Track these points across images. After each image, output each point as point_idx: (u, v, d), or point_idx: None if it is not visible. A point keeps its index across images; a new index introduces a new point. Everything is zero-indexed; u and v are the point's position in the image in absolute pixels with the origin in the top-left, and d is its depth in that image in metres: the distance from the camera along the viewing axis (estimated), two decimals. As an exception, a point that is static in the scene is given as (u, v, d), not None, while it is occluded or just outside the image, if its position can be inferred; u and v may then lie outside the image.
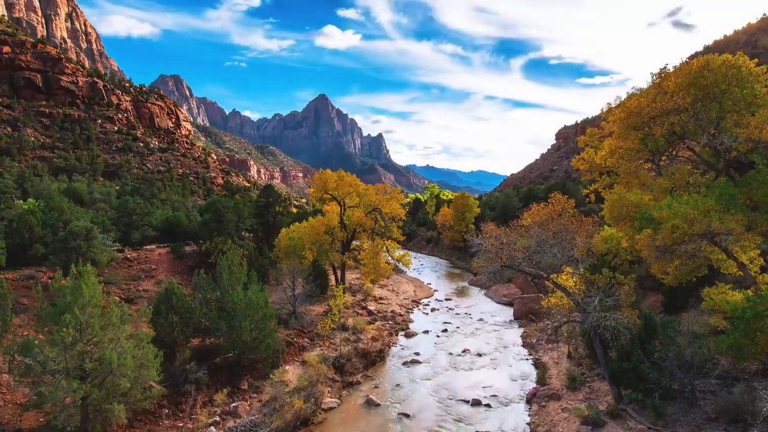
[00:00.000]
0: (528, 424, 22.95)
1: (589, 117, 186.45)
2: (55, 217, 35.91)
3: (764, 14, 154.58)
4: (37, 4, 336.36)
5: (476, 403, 25.16)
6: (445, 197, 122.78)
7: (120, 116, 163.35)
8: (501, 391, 26.66)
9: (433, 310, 47.20)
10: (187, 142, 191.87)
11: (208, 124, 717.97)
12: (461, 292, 56.91)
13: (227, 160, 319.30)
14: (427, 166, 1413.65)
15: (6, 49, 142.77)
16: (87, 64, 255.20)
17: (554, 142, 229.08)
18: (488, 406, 24.95)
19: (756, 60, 20.38)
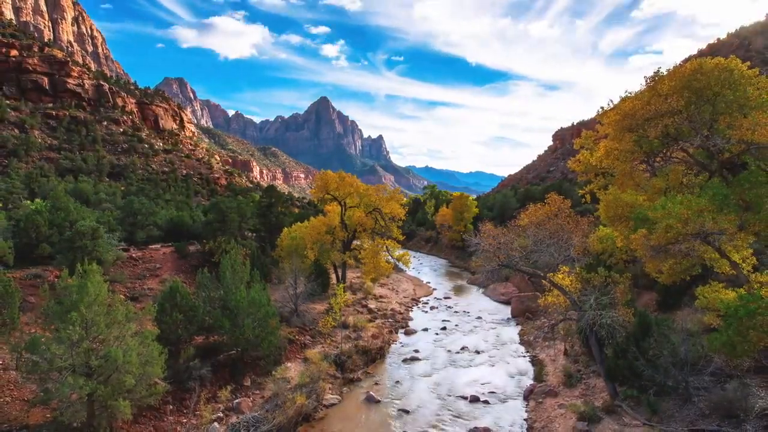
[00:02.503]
0: (525, 420, 23.31)
1: (585, 119, 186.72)
2: (62, 217, 36.52)
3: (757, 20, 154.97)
4: (44, 8, 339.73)
5: (474, 399, 25.54)
6: (444, 198, 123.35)
7: (125, 118, 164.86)
8: (499, 388, 27.05)
9: (432, 308, 47.68)
10: (190, 144, 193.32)
11: (211, 126, 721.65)
12: (460, 291, 57.40)
13: (230, 161, 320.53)
14: (427, 167, 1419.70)
15: (13, 52, 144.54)
16: (93, 67, 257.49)
17: (551, 143, 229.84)
18: (486, 402, 25.31)
19: (748, 63, 20.65)
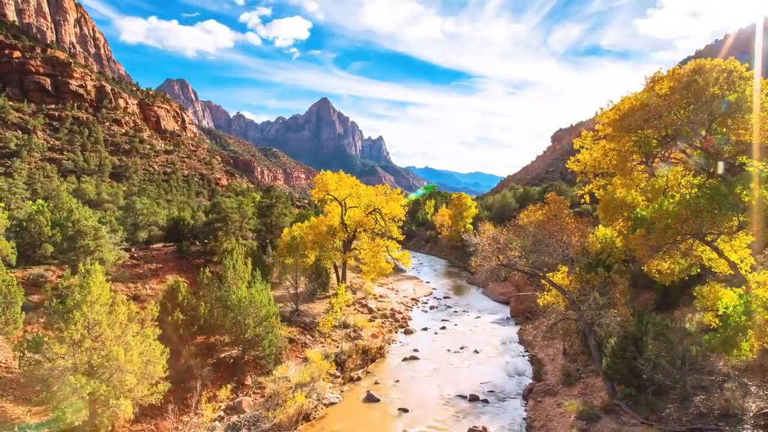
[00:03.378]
0: (524, 419, 23.40)
1: (584, 120, 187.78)
2: (64, 217, 36.75)
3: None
4: (46, 9, 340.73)
5: (474, 398, 25.64)
6: (443, 198, 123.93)
7: (127, 119, 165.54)
8: (498, 387, 27.16)
9: (431, 307, 47.89)
10: (192, 144, 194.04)
11: (212, 127, 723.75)
12: (459, 290, 57.61)
13: (231, 161, 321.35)
14: (426, 167, 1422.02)
15: (16, 53, 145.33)
16: (95, 68, 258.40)
17: (550, 143, 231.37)
18: (485, 401, 25.40)
19: (747, 65, 20.72)
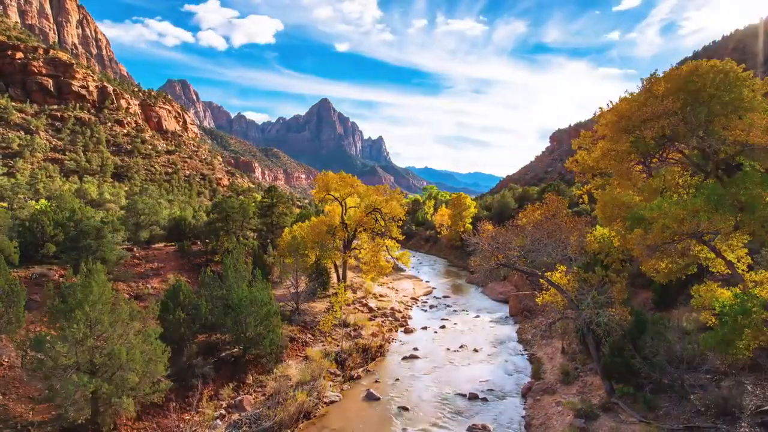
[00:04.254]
0: (523, 417, 23.52)
1: (583, 120, 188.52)
2: (66, 216, 37.02)
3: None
4: (49, 11, 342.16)
5: (473, 396, 25.77)
6: (443, 198, 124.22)
7: (129, 120, 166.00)
8: (497, 386, 27.28)
9: (431, 307, 48.00)
10: (193, 145, 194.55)
11: (214, 127, 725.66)
12: (458, 290, 57.70)
13: (232, 161, 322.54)
14: (426, 167, 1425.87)
15: (19, 54, 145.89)
16: (97, 69, 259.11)
17: (548, 144, 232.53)
18: (485, 399, 25.54)
19: (743, 65, 20.85)
